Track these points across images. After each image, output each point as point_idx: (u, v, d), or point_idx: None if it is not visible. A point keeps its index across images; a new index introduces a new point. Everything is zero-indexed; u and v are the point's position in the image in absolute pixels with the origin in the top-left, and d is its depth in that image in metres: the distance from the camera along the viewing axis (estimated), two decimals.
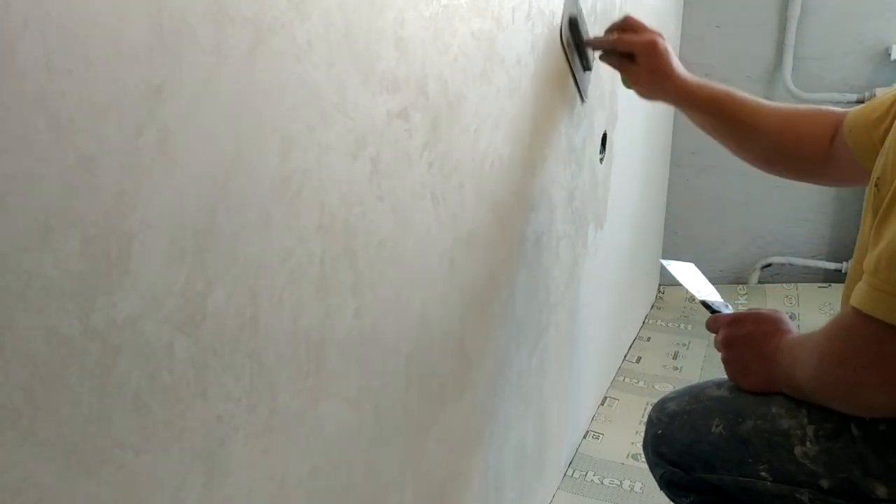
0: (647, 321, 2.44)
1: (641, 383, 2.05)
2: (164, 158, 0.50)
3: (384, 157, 0.76)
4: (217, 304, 0.56)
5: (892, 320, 0.71)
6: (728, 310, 1.06)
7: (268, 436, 0.64)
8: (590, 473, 1.65)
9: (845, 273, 2.51)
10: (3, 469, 0.42)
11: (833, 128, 1.04)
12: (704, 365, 2.14)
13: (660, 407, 1.04)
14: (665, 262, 1.21)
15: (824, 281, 2.58)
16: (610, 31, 1.22)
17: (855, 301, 0.74)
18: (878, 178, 0.81)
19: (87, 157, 0.45)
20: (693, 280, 1.15)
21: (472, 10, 0.90)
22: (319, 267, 0.68)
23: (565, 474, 1.64)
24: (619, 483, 1.62)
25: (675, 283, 2.64)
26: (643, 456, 1.07)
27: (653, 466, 1.04)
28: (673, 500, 1.04)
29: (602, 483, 1.62)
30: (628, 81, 1.22)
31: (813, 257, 2.58)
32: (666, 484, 1.02)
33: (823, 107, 1.08)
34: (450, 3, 0.85)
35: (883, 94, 0.95)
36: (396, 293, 0.82)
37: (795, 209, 2.56)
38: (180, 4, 0.50)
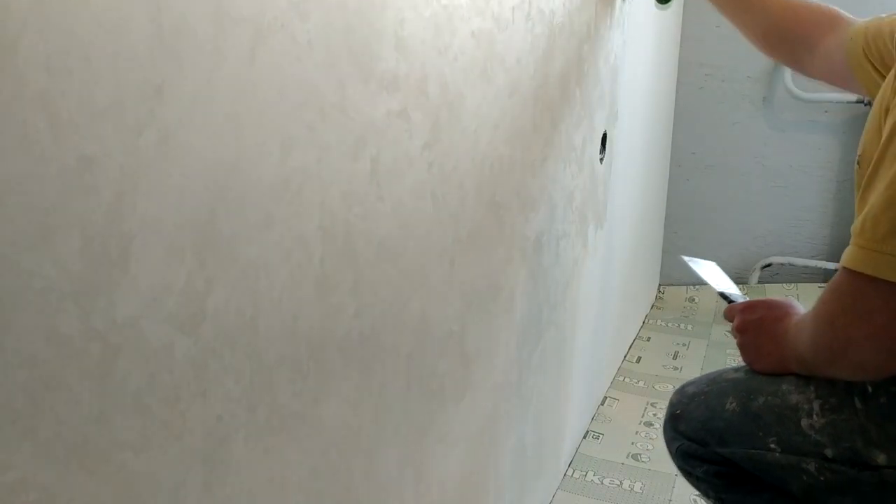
0: (647, 321, 2.44)
1: (641, 383, 2.05)
2: (164, 158, 0.50)
3: (384, 157, 0.76)
4: (217, 304, 0.56)
5: (877, 273, 0.76)
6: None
7: (268, 436, 0.64)
8: (590, 473, 1.65)
9: None
10: (3, 469, 0.42)
11: (832, 23, 1.12)
12: (704, 365, 2.14)
13: (680, 391, 1.11)
14: (686, 259, 1.23)
15: (824, 281, 2.57)
16: None
17: (843, 261, 0.80)
18: (859, 156, 0.88)
19: (87, 157, 0.45)
20: (713, 275, 1.19)
21: (472, 10, 0.90)
22: (319, 267, 0.68)
23: (565, 474, 1.64)
24: (619, 483, 1.62)
25: (674, 283, 2.65)
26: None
27: (669, 441, 1.10)
28: (687, 471, 1.09)
29: (602, 483, 1.62)
30: None
31: (813, 257, 2.58)
32: (682, 455, 1.07)
33: (826, 5, 1.16)
34: (450, 3, 0.85)
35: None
36: (396, 293, 0.82)
37: (795, 209, 2.56)
38: (180, 4, 0.50)
